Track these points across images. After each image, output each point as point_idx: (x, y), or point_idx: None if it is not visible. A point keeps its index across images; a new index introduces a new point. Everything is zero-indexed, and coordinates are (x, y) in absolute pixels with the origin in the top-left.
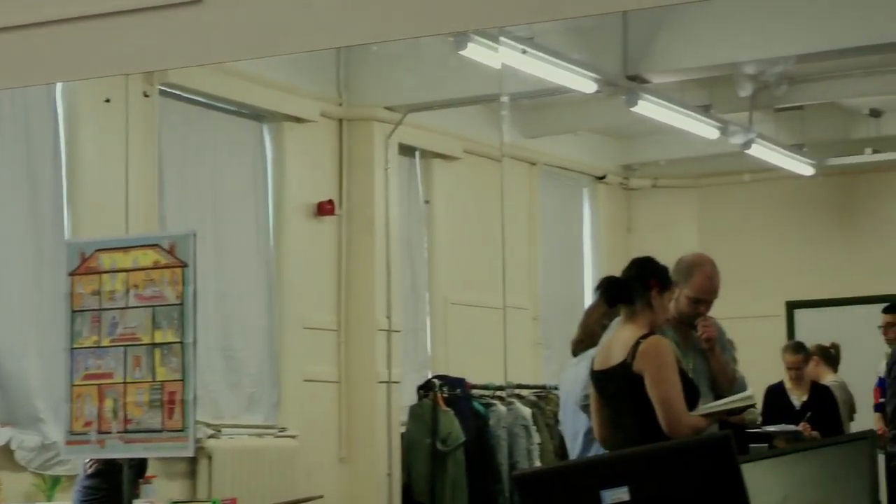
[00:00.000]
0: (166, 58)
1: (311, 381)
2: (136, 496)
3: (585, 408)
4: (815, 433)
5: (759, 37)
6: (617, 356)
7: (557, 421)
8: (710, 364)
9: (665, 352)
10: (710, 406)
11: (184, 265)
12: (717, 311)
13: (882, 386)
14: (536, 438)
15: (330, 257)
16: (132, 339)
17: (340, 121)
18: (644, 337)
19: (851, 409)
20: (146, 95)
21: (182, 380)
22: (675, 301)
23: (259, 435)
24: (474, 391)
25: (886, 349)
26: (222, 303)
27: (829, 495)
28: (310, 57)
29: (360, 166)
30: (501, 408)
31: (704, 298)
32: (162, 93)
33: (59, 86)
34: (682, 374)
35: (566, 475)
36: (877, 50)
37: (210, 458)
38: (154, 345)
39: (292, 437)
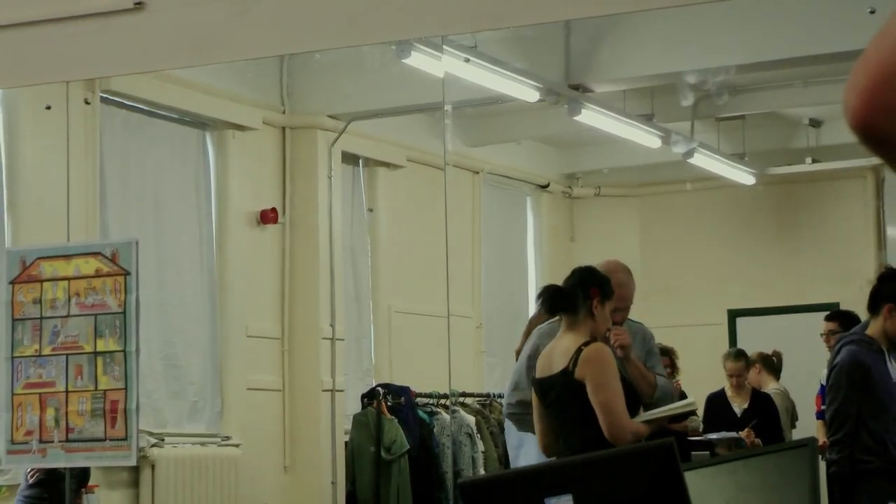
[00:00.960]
0: (107, 65)
1: (255, 390)
2: None
3: (511, 416)
4: (757, 441)
5: (701, 47)
6: (559, 364)
7: (502, 429)
8: (627, 371)
9: (607, 358)
10: (652, 413)
11: (126, 273)
12: (659, 319)
13: (824, 393)
14: (480, 446)
15: (273, 265)
16: (74, 348)
17: (283, 129)
18: (586, 344)
19: (793, 417)
20: (87, 103)
21: (124, 388)
22: None
23: (202, 444)
24: (418, 399)
25: (829, 357)
26: (165, 311)
27: (771, 503)
28: (252, 65)
29: (303, 174)
30: (445, 416)
31: (618, 306)
32: (103, 100)
33: None
34: (624, 380)
35: (510, 483)
36: (817, 60)
37: (153, 467)
38: (96, 353)
39: (236, 445)
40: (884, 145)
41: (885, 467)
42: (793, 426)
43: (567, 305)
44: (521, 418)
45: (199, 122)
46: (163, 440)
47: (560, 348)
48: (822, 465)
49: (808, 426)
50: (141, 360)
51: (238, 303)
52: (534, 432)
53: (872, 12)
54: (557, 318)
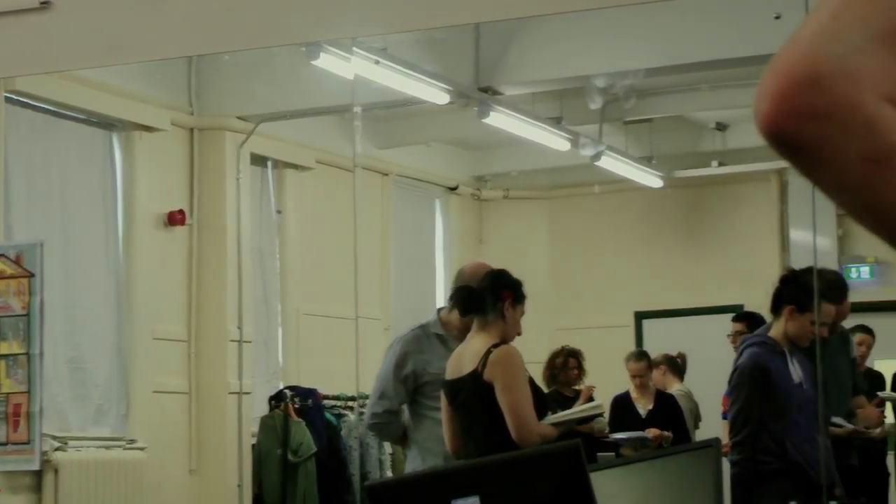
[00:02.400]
0: (13, 65)
1: (161, 393)
2: None
3: (374, 426)
4: (668, 434)
5: (610, 50)
6: (468, 365)
7: None
8: None
9: (515, 360)
10: (559, 415)
11: (30, 275)
12: (567, 320)
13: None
14: (388, 449)
15: (180, 267)
16: None
17: (191, 130)
18: (495, 346)
19: (697, 418)
20: None
21: (28, 392)
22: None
23: (107, 447)
24: (326, 402)
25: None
26: (70, 313)
27: (676, 503)
28: (161, 66)
29: (211, 176)
30: (353, 418)
31: None
32: (8, 100)
33: None
34: (532, 383)
35: (417, 485)
36: (723, 65)
37: (56, 471)
38: None
39: (141, 449)
40: (794, 150)
41: (785, 468)
42: (696, 427)
43: (479, 307)
44: (385, 428)
45: (106, 123)
46: (66, 444)
47: (470, 350)
48: (727, 466)
49: (711, 427)
50: (45, 363)
51: (145, 305)
52: (394, 442)
53: (778, 18)
54: (420, 325)
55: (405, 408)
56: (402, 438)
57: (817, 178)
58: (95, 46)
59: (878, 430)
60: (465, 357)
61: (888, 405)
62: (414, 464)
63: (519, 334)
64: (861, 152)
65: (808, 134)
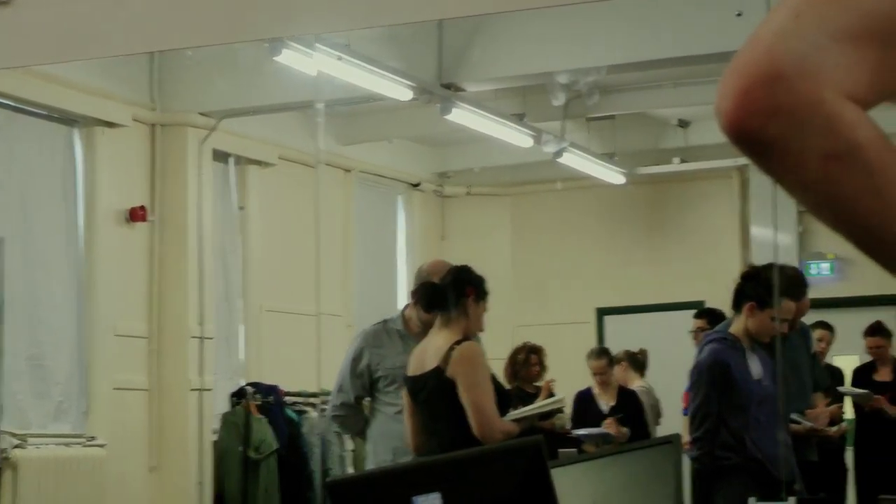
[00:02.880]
0: None
1: (122, 390)
2: None
3: (336, 419)
4: (624, 430)
5: (572, 47)
6: (430, 362)
7: None
8: None
9: (478, 357)
10: (521, 411)
11: None
12: (528, 317)
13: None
14: (349, 445)
15: (142, 264)
16: None
17: (153, 126)
18: (458, 342)
19: (657, 414)
20: None
21: None
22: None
23: (67, 444)
24: (287, 398)
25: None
26: (31, 310)
27: (637, 499)
28: (122, 61)
29: (173, 172)
30: (314, 415)
31: None
32: None
33: None
34: (494, 379)
35: (379, 481)
36: (685, 62)
37: (15, 468)
38: None
39: (101, 446)
40: (755, 148)
41: (744, 464)
42: (657, 423)
43: (441, 303)
44: (344, 420)
45: (68, 119)
46: (26, 441)
47: (433, 346)
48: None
49: (672, 422)
50: (5, 360)
51: (106, 301)
52: (356, 435)
53: (739, 15)
54: (383, 320)
55: (367, 402)
56: (363, 431)
57: (779, 175)
58: (56, 42)
59: (835, 429)
60: (427, 353)
61: (847, 401)
62: (369, 458)
63: (481, 330)
64: (822, 150)
65: (770, 131)
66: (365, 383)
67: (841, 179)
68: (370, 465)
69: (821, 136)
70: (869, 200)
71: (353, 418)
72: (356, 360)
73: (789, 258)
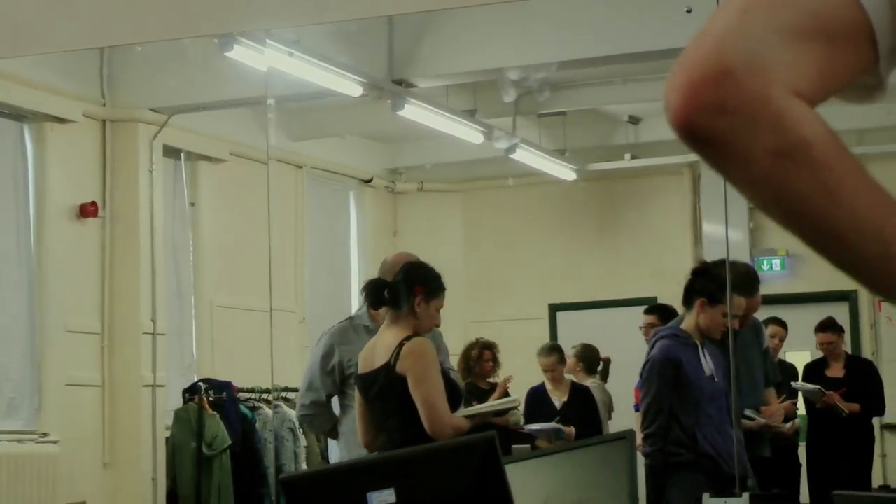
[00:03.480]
0: None
1: (74, 386)
2: None
3: (304, 418)
4: (570, 429)
5: (523, 43)
6: (380, 358)
7: None
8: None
9: (428, 353)
10: (474, 409)
11: None
12: (481, 313)
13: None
14: (303, 441)
15: (93, 260)
16: None
17: (104, 121)
18: (407, 339)
19: (610, 409)
20: None
21: None
22: None
23: (19, 441)
24: (241, 394)
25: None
26: None
27: (590, 495)
28: (72, 56)
29: (123, 168)
30: (268, 411)
31: None
32: None
33: None
34: (445, 375)
35: (332, 478)
36: (635, 58)
37: None
38: None
39: (54, 442)
40: (703, 144)
41: (696, 460)
42: (609, 418)
43: (391, 300)
44: (314, 420)
45: (18, 115)
46: None
47: (382, 343)
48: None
49: (624, 418)
50: None
51: (57, 298)
52: (325, 434)
53: (689, 11)
54: (349, 317)
55: (335, 400)
56: (333, 430)
57: (727, 171)
58: (4, 37)
59: (788, 426)
60: (377, 350)
61: (800, 396)
62: (340, 455)
63: (437, 326)
64: (770, 146)
65: (718, 128)
66: (336, 380)
67: (789, 176)
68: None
69: (768, 133)
70: (817, 197)
71: (324, 417)
72: (326, 357)
73: (741, 254)
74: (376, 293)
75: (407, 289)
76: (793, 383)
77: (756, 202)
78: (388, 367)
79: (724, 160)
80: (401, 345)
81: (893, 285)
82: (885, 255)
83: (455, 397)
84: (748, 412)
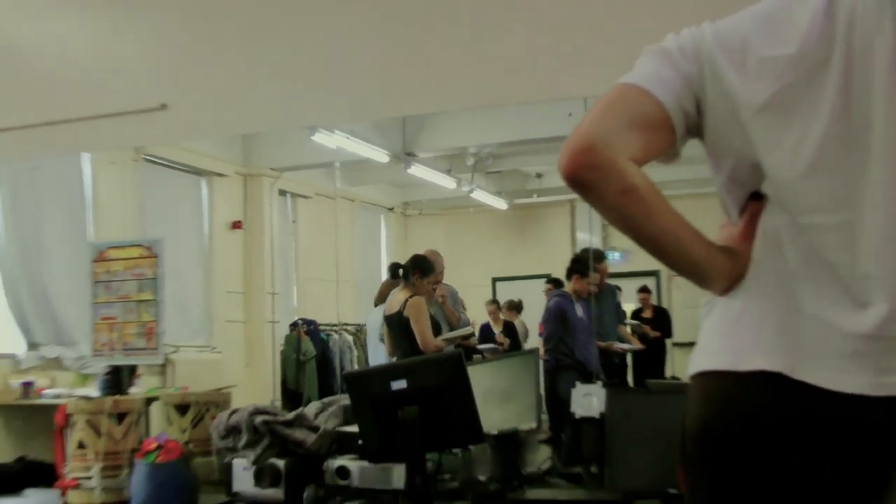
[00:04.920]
0: None
1: (230, 322)
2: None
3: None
4: (507, 340)
5: (479, 130)
6: (396, 307)
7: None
8: (444, 311)
9: (421, 306)
10: (447, 335)
11: None
12: (457, 284)
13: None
14: (356, 353)
15: (239, 253)
16: (125, 299)
17: (245, 176)
18: (411, 297)
19: (525, 336)
20: None
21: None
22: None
23: (199, 351)
24: (321, 327)
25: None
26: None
27: (514, 386)
28: (224, 137)
29: (255, 201)
30: (336, 336)
31: (438, 279)
32: None
33: None
34: (432, 317)
35: (371, 374)
36: (540, 140)
37: (174, 365)
38: (139, 301)
39: (219, 353)
40: (580, 188)
41: (573, 363)
42: (525, 341)
43: (403, 275)
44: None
45: (196, 171)
46: (178, 349)
47: (397, 299)
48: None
49: (533, 340)
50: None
51: (219, 274)
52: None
53: (571, 115)
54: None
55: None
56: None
57: (593, 203)
58: (203, 127)
59: (618, 346)
60: (394, 302)
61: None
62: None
63: (430, 292)
64: (616, 188)
65: (588, 178)
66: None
67: (628, 206)
68: None
69: (616, 181)
70: (642, 218)
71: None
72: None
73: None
74: (394, 270)
75: (410, 269)
76: (626, 321)
77: (610, 221)
78: (400, 313)
79: (591, 197)
80: (406, 301)
81: (684, 266)
82: (682, 250)
83: (437, 331)
84: (604, 342)
